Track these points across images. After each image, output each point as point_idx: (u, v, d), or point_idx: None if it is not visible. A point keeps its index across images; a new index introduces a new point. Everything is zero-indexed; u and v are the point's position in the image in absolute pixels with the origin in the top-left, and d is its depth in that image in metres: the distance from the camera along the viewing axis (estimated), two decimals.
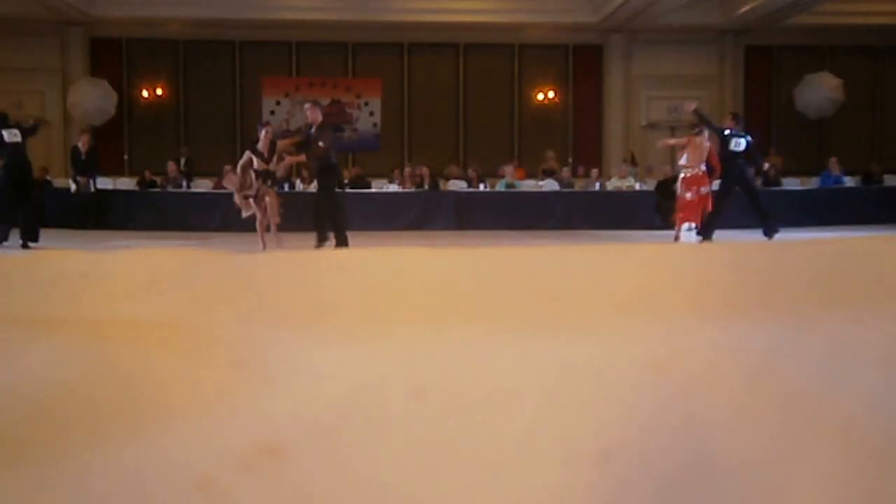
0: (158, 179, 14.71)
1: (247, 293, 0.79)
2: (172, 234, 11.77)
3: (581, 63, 17.57)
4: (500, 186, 14.39)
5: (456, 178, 15.31)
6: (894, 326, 0.67)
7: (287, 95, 17.00)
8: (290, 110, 16.74)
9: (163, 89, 17.18)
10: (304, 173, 13.86)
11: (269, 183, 9.11)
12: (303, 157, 8.91)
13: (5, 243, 9.40)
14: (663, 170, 13.97)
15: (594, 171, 15.50)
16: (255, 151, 8.99)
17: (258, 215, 9.05)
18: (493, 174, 15.10)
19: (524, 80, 17.58)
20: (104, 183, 13.90)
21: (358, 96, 17.37)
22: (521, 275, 0.81)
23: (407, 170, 15.00)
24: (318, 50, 17.26)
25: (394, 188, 14.44)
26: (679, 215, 10.11)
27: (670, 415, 0.58)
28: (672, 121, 17.08)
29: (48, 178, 14.35)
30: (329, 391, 0.61)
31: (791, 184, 14.88)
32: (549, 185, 14.58)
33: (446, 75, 17.44)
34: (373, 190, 14.35)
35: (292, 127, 15.35)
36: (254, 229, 9.50)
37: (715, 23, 16.71)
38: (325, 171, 8.88)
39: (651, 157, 16.20)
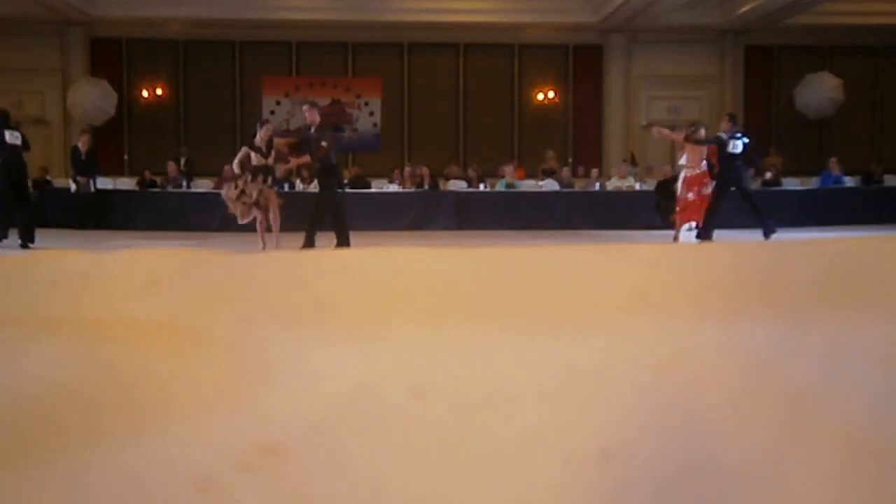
0: (158, 179, 14.71)
1: (247, 293, 0.79)
2: (172, 234, 11.77)
3: (581, 63, 17.57)
4: (500, 186, 14.39)
5: (456, 178, 15.31)
6: (894, 326, 0.67)
7: (287, 95, 17.00)
8: (290, 110, 16.74)
9: (163, 89, 17.18)
10: (304, 173, 13.85)
11: (269, 180, 9.10)
12: (307, 159, 8.87)
13: (4, 241, 9.44)
14: (663, 170, 13.97)
15: (594, 171, 15.50)
16: (252, 147, 8.99)
17: (258, 216, 9.05)
18: (493, 174, 15.10)
19: (524, 80, 17.58)
20: (104, 183, 13.90)
21: (358, 96, 17.37)
22: (521, 275, 0.81)
23: (407, 170, 14.99)
24: (318, 50, 17.26)
25: (394, 188, 14.45)
26: (681, 216, 10.12)
27: (670, 415, 0.58)
28: (672, 121, 17.08)
29: (48, 178, 14.35)
30: (329, 391, 0.61)
31: (791, 184, 14.88)
32: (549, 185, 14.58)
33: (446, 75, 17.44)
34: (373, 190, 14.35)
35: (292, 127, 15.35)
36: (254, 229, 9.50)
37: (715, 23, 16.71)
38: (326, 172, 8.88)
39: (651, 157, 16.21)
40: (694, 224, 9.92)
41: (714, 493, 0.53)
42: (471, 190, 14.40)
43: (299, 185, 13.78)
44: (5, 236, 9.48)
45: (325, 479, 0.53)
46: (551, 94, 17.59)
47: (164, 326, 0.72)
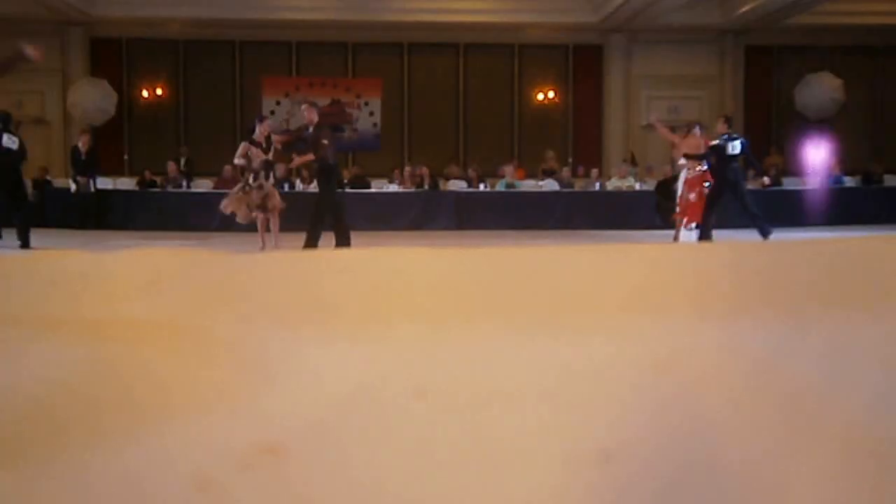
0: (158, 179, 14.71)
1: (247, 293, 0.79)
2: (172, 234, 11.77)
3: (581, 63, 17.57)
4: (500, 186, 14.40)
5: (456, 178, 15.31)
6: (894, 326, 0.67)
7: (287, 95, 17.00)
8: (290, 110, 16.74)
9: (163, 89, 17.18)
10: (304, 173, 13.85)
11: (271, 175, 9.09)
12: (310, 157, 8.84)
13: (0, 242, 9.48)
14: (663, 170, 13.96)
15: (594, 171, 15.50)
16: (252, 142, 8.97)
17: (260, 216, 9.04)
18: (493, 174, 15.10)
19: (524, 80, 17.58)
20: (104, 183, 13.91)
21: (358, 96, 17.37)
22: (521, 275, 0.80)
23: (407, 170, 14.99)
24: (318, 50, 17.26)
25: (394, 188, 14.44)
26: (682, 216, 10.13)
27: (671, 414, 0.58)
28: (672, 121, 17.08)
29: (48, 178, 14.35)
30: (329, 391, 0.61)
31: (791, 184, 14.88)
32: (549, 185, 14.58)
33: (446, 75, 17.44)
34: (373, 190, 14.35)
35: (292, 127, 15.35)
36: (254, 229, 9.51)
37: (715, 23, 16.71)
38: (324, 172, 8.86)
39: (651, 157, 16.21)
40: (694, 224, 9.92)
41: (714, 493, 0.53)
42: (471, 190, 14.40)
43: (299, 185, 13.78)
44: None
45: (325, 479, 0.53)
46: (551, 94, 17.59)
47: (164, 326, 0.72)
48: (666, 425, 0.57)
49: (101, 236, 11.30)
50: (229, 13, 15.94)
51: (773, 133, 17.55)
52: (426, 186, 14.34)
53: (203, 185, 14.55)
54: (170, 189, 14.21)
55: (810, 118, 16.91)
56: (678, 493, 0.52)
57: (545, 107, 17.65)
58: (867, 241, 0.84)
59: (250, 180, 8.90)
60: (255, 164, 8.93)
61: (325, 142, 8.73)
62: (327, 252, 1.05)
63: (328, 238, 8.77)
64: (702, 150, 9.73)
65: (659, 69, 17.20)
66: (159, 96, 17.16)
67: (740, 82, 17.62)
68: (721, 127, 9.39)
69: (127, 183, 14.94)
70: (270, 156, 9.07)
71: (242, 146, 9.01)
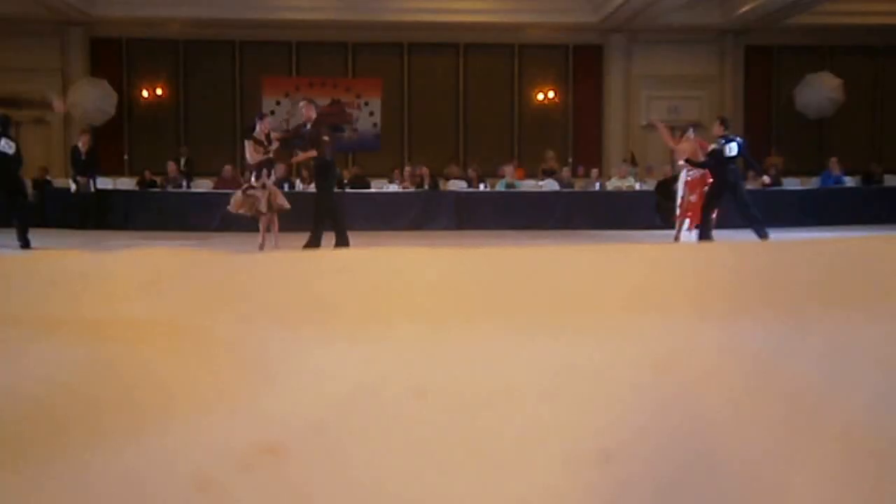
0: (158, 179, 14.71)
1: (247, 293, 0.79)
2: (172, 234, 11.77)
3: (581, 63, 17.57)
4: (500, 186, 14.39)
5: (456, 178, 15.31)
6: (894, 326, 0.67)
7: (287, 95, 17.00)
8: (290, 110, 16.74)
9: (163, 89, 17.17)
10: (304, 173, 13.85)
11: (272, 172, 9.07)
12: (313, 153, 8.81)
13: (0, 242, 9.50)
14: (663, 170, 13.98)
15: (594, 171, 15.51)
16: (257, 140, 8.93)
17: (264, 216, 9.04)
18: (493, 174, 15.10)
19: (524, 80, 17.58)
20: (104, 183, 13.91)
21: (358, 96, 17.37)
22: (521, 275, 0.80)
23: (407, 170, 14.99)
24: (318, 50, 17.26)
25: (394, 188, 14.44)
26: (684, 217, 10.15)
27: (671, 415, 0.58)
28: (672, 121, 17.07)
29: (48, 178, 14.35)
30: (329, 391, 0.61)
31: (791, 184, 14.88)
32: (549, 185, 14.58)
33: (446, 75, 17.44)
34: (373, 190, 14.35)
35: (292, 126, 15.35)
36: (253, 229, 9.50)
37: (715, 23, 16.71)
38: (322, 170, 8.84)
39: (651, 157, 16.21)
40: (688, 223, 9.95)
41: (714, 493, 0.53)
42: (471, 190, 14.39)
43: (299, 185, 13.78)
44: None
45: (325, 479, 0.53)
46: (551, 94, 17.59)
47: (164, 326, 0.72)
48: (666, 425, 0.57)
49: (101, 236, 11.30)
50: (229, 13, 15.94)
51: (773, 133, 17.54)
52: (426, 186, 14.33)
53: (203, 185, 14.55)
54: (170, 189, 14.20)
55: (810, 118, 16.90)
56: (678, 493, 0.52)
57: (545, 107, 17.64)
58: (867, 241, 0.84)
59: (252, 180, 8.88)
60: (253, 165, 8.92)
61: (326, 138, 8.72)
62: (327, 252, 1.06)
63: (328, 238, 8.77)
64: (699, 153, 9.75)
65: (659, 69, 17.20)
66: (159, 96, 17.16)
67: (740, 82, 17.62)
68: (717, 129, 9.38)
69: (127, 183, 14.94)
70: (272, 154, 9.06)
71: (250, 145, 8.96)
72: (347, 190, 13.96)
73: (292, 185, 13.64)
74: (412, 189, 14.23)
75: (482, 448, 0.55)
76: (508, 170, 14.59)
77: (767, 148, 16.18)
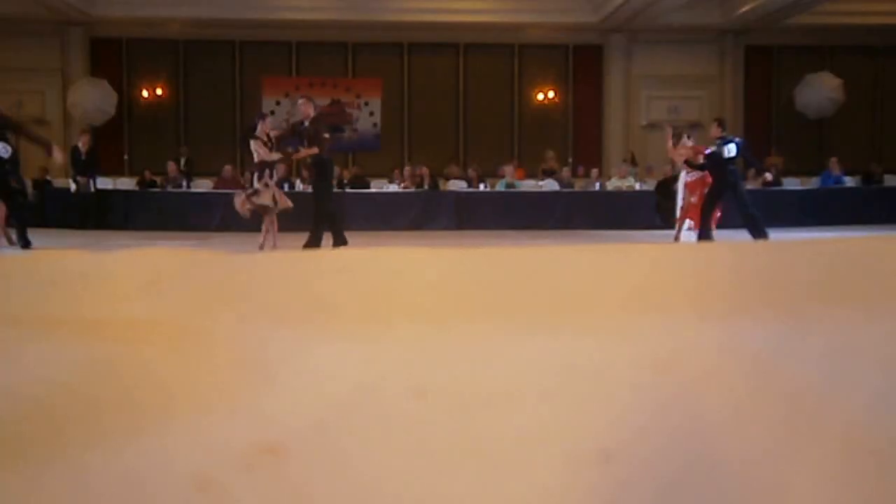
0: (158, 179, 14.71)
1: (247, 293, 0.79)
2: (172, 234, 11.77)
3: (581, 63, 17.57)
4: (500, 186, 14.39)
5: (456, 178, 15.31)
6: (894, 326, 0.67)
7: (287, 95, 17.00)
8: (291, 110, 16.74)
9: (163, 89, 17.17)
10: (304, 173, 13.85)
11: (274, 172, 9.07)
12: (315, 150, 8.77)
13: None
14: (663, 170, 13.98)
15: (594, 171, 15.50)
16: (265, 141, 8.90)
17: (266, 218, 9.03)
18: (493, 174, 15.10)
19: (524, 80, 17.58)
20: (104, 183, 13.91)
21: (358, 96, 17.37)
22: (521, 275, 0.81)
23: (407, 170, 14.99)
24: (318, 50, 17.26)
25: (394, 188, 14.44)
26: (685, 218, 10.17)
27: (671, 415, 0.58)
28: (672, 121, 17.07)
29: (48, 178, 14.35)
30: (329, 391, 0.61)
31: (791, 184, 14.88)
32: (549, 185, 14.58)
33: (446, 75, 17.44)
34: (373, 190, 14.35)
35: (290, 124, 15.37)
36: (254, 229, 9.50)
37: (715, 23, 16.71)
38: (319, 166, 8.81)
39: (651, 157, 16.21)
40: (692, 223, 9.95)
41: (714, 493, 0.53)
42: (471, 190, 14.39)
43: (299, 185, 13.78)
44: None
45: (325, 479, 0.53)
46: (551, 94, 17.59)
47: (164, 326, 0.72)
48: (666, 425, 0.57)
49: (101, 236, 11.30)
50: (229, 13, 15.94)
51: (773, 133, 17.55)
52: (426, 186, 14.33)
53: (203, 185, 14.55)
54: (170, 189, 14.20)
55: (810, 118, 16.90)
56: (678, 493, 0.52)
57: (545, 107, 17.64)
58: (867, 241, 0.84)
59: (255, 181, 8.87)
60: (255, 166, 8.90)
61: (327, 136, 8.72)
62: (327, 252, 1.06)
63: (327, 238, 8.76)
64: (698, 157, 9.76)
65: (659, 69, 17.19)
66: (159, 96, 17.16)
67: (740, 82, 17.62)
68: (715, 131, 9.37)
69: (127, 183, 14.94)
70: (274, 153, 9.05)
71: (258, 143, 8.90)
72: (347, 190, 13.96)
73: (292, 185, 13.64)
74: (412, 189, 14.23)
75: (482, 448, 0.55)
76: (508, 170, 14.59)
77: (767, 148, 16.17)
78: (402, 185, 14.57)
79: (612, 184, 14.63)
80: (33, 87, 16.38)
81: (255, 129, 9.07)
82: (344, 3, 16.00)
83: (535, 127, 17.47)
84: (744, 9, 15.87)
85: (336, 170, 14.05)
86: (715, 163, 9.19)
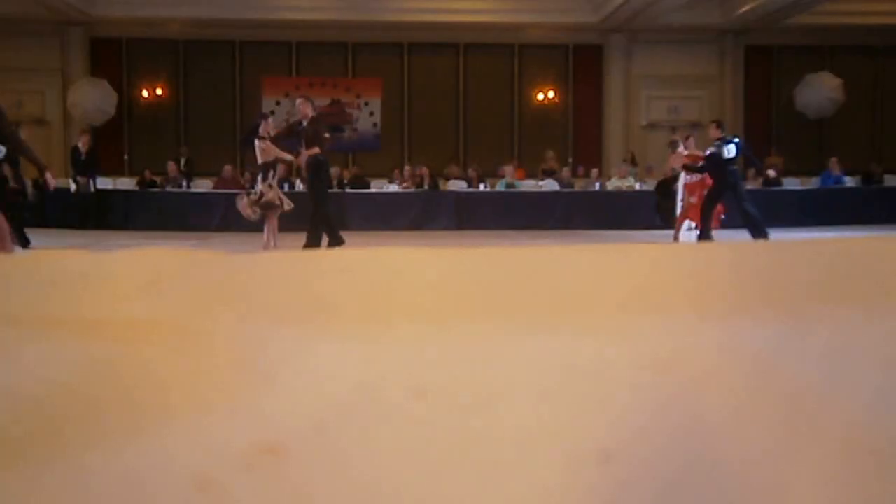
0: (158, 179, 14.71)
1: (247, 293, 0.79)
2: (172, 234, 11.77)
3: (581, 63, 17.57)
4: (500, 186, 14.39)
5: (456, 178, 15.31)
6: (894, 326, 0.67)
7: (287, 95, 17.00)
8: (291, 110, 16.73)
9: (163, 89, 17.17)
10: (304, 174, 13.85)
11: (274, 174, 9.06)
12: (317, 150, 8.76)
13: None
14: (663, 170, 13.98)
15: (594, 171, 15.51)
16: (274, 140, 8.88)
17: (268, 219, 9.03)
18: (493, 174, 15.10)
19: (524, 80, 17.58)
20: (104, 183, 13.91)
21: (358, 96, 17.36)
22: (521, 275, 0.80)
23: (407, 170, 14.99)
24: (318, 50, 17.26)
25: (394, 188, 14.44)
26: (684, 219, 10.17)
27: (671, 415, 0.58)
28: (672, 121, 17.08)
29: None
30: (329, 391, 0.61)
31: (791, 184, 14.88)
32: (549, 185, 14.58)
33: (446, 75, 17.44)
34: (373, 190, 14.35)
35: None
36: (253, 229, 9.50)
37: (715, 23, 16.71)
38: (316, 166, 8.80)
39: (651, 157, 16.21)
40: (694, 224, 9.96)
41: (714, 493, 0.53)
42: (471, 190, 14.39)
43: (299, 186, 13.78)
44: None
45: (325, 479, 0.53)
46: (551, 94, 17.58)
47: (164, 326, 0.72)
48: (666, 425, 0.57)
49: (101, 236, 11.30)
50: (229, 13, 15.94)
51: (773, 133, 17.54)
52: (426, 186, 14.33)
53: (203, 185, 14.55)
54: (170, 189, 14.20)
55: (810, 118, 16.90)
56: (679, 493, 0.52)
57: (545, 107, 17.64)
58: (867, 241, 0.84)
59: (259, 182, 8.87)
60: (257, 166, 8.90)
61: (327, 135, 8.72)
62: (327, 252, 1.06)
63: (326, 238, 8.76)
64: (698, 161, 9.77)
65: (659, 69, 17.19)
66: (159, 96, 17.16)
67: (740, 82, 17.62)
68: (714, 132, 9.37)
69: (127, 183, 14.94)
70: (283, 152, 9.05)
71: (270, 149, 8.86)
72: (347, 190, 13.96)
73: (292, 185, 13.64)
74: (412, 189, 14.22)
75: (482, 448, 0.55)
76: (508, 170, 14.59)
77: (767, 148, 16.18)
78: (402, 185, 14.57)
79: (612, 184, 14.63)
80: (33, 87, 16.38)
81: (257, 129, 9.07)
82: (344, 3, 16.00)
83: (535, 127, 17.46)
84: (744, 9, 15.87)
85: (336, 170, 14.06)
86: (715, 164, 9.19)
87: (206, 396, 0.60)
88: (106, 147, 15.58)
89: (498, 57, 17.42)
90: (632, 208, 13.41)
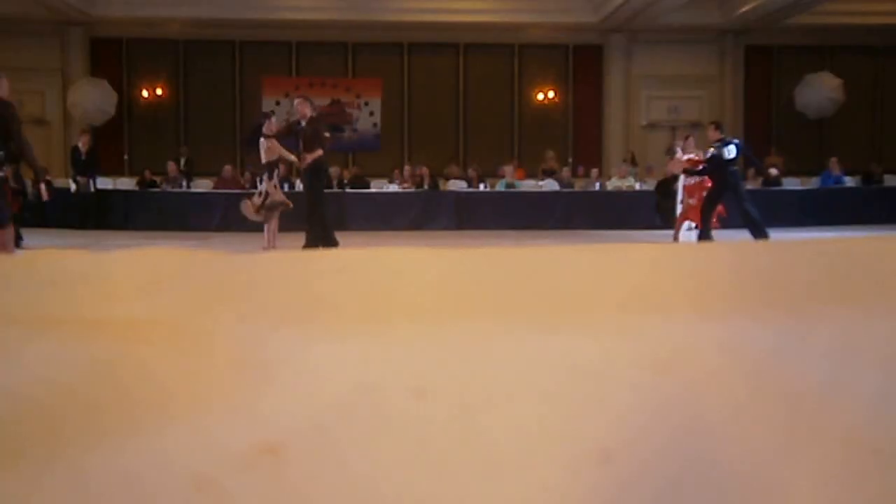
0: (158, 179, 14.71)
1: (247, 293, 0.79)
2: (172, 234, 11.77)
3: (581, 63, 17.57)
4: (500, 186, 14.39)
5: (456, 178, 15.31)
6: (894, 326, 0.67)
7: (287, 95, 16.99)
8: (290, 110, 16.73)
9: (163, 89, 17.17)
10: (303, 174, 13.84)
11: (274, 175, 9.06)
12: (320, 152, 8.75)
13: None
14: (663, 170, 13.98)
15: (594, 171, 15.51)
16: (279, 137, 8.87)
17: (269, 220, 9.03)
18: (493, 174, 15.10)
19: (524, 80, 17.58)
20: (104, 183, 13.91)
21: (358, 96, 17.37)
22: (521, 274, 0.80)
23: (407, 170, 14.99)
24: (318, 50, 17.26)
25: (394, 188, 14.44)
26: (684, 219, 10.17)
27: (671, 415, 0.58)
28: (672, 121, 17.08)
29: (48, 178, 14.33)
30: (329, 391, 0.61)
31: (791, 184, 14.88)
32: (549, 185, 14.58)
33: (446, 75, 17.44)
34: (373, 190, 14.35)
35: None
36: (253, 229, 9.50)
37: (715, 23, 16.71)
38: (314, 168, 8.80)
39: (651, 157, 16.21)
40: (694, 224, 9.96)
41: (714, 493, 0.53)
42: (471, 190, 14.39)
43: (299, 186, 13.78)
44: None
45: (325, 479, 0.53)
46: (551, 94, 17.58)
47: (164, 326, 0.71)
48: (666, 425, 0.57)
49: (101, 236, 11.30)
50: (229, 13, 15.94)
51: (773, 133, 17.54)
52: (426, 186, 14.33)
53: (203, 185, 14.55)
54: (170, 189, 14.20)
55: (810, 118, 16.90)
56: (679, 493, 0.52)
57: (545, 107, 17.64)
58: (867, 241, 0.84)
59: (264, 181, 8.86)
60: (260, 166, 8.91)
61: (327, 135, 8.72)
62: (327, 252, 1.05)
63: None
64: (698, 165, 9.77)
65: (659, 69, 17.19)
66: (159, 96, 17.16)
67: (740, 82, 17.62)
68: (713, 134, 9.37)
69: (127, 183, 14.94)
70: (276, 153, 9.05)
71: (272, 142, 8.85)
72: (347, 190, 13.95)
73: (292, 185, 13.64)
74: (412, 189, 14.23)
75: (482, 448, 0.55)
76: (508, 170, 14.59)
77: (767, 148, 16.18)
78: (402, 185, 14.57)
79: (612, 184, 14.63)
80: (33, 87, 16.37)
81: (261, 128, 9.06)
82: (344, 3, 16.00)
83: (535, 127, 17.47)
84: (744, 9, 15.87)
85: (336, 170, 14.06)
86: (715, 165, 9.19)
87: (205, 396, 0.60)
88: (106, 147, 15.59)
89: (498, 57, 17.42)
90: (632, 208, 13.41)
